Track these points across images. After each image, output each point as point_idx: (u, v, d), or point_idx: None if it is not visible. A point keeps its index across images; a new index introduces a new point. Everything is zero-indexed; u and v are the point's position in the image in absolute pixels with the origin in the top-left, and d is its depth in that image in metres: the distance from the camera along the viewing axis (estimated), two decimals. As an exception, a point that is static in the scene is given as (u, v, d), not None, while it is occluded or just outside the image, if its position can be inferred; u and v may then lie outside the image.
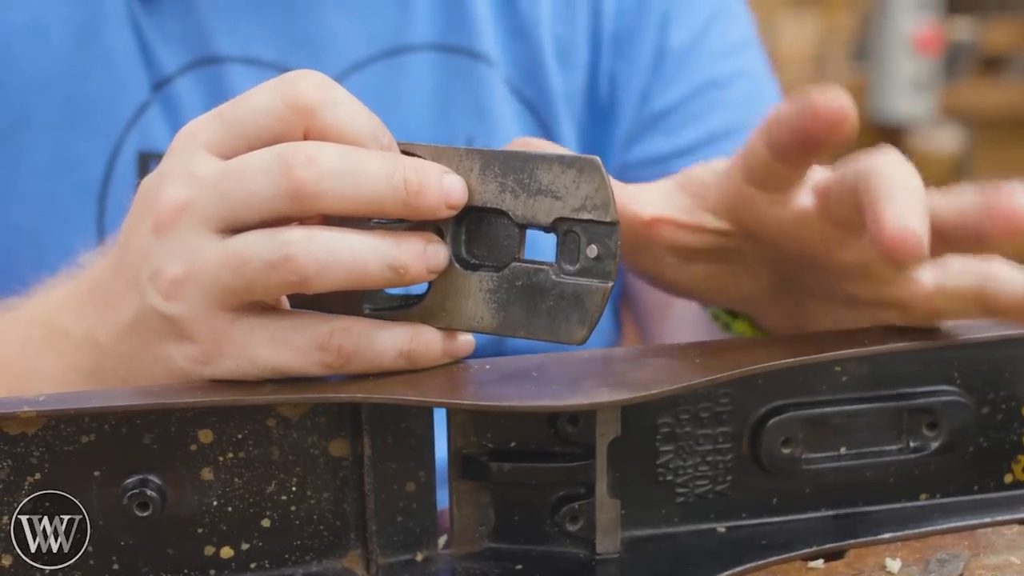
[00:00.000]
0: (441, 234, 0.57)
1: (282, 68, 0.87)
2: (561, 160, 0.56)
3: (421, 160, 0.56)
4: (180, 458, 0.56)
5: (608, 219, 0.56)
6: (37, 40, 0.84)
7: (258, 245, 0.54)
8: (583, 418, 0.58)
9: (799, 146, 0.57)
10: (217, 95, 0.85)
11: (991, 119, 3.47)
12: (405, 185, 0.54)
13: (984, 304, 0.58)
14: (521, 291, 0.57)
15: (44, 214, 0.85)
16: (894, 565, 0.59)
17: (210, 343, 0.56)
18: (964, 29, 3.47)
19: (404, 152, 0.57)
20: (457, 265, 0.57)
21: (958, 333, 0.62)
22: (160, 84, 0.85)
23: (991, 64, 3.55)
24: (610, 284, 0.56)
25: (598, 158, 0.56)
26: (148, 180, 0.57)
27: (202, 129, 0.56)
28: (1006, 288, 0.58)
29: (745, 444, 0.61)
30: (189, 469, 0.56)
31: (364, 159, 0.54)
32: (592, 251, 0.56)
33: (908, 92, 3.24)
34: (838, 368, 0.61)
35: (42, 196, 0.85)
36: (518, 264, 0.57)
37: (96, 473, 0.55)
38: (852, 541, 0.61)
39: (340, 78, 0.88)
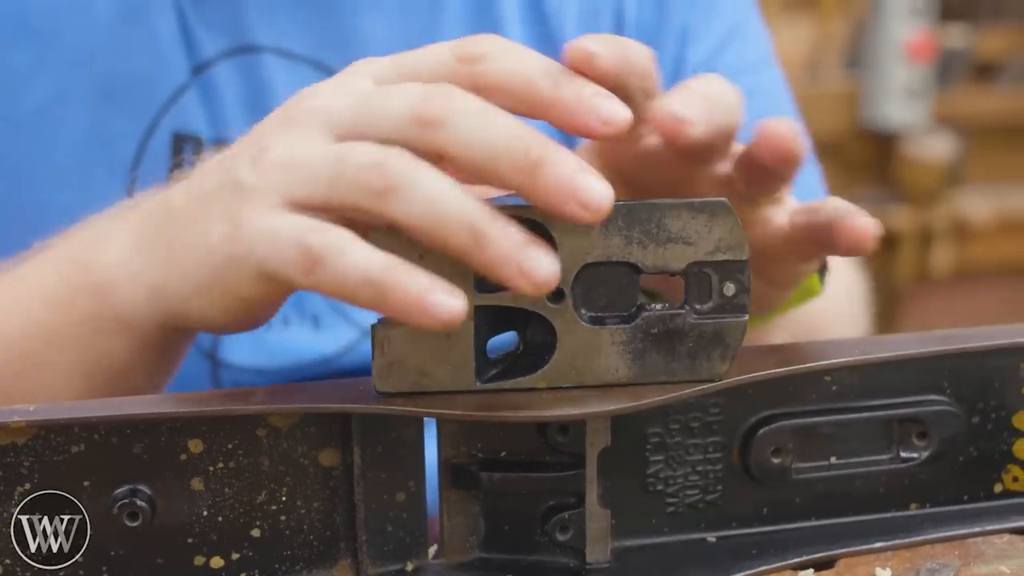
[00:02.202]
0: (562, 294, 0.56)
1: (314, 63, 0.88)
2: (690, 207, 0.56)
3: (562, 148, 0.53)
4: (170, 468, 0.56)
5: (742, 257, 0.56)
6: (83, 16, 0.84)
7: (363, 148, 0.53)
8: (573, 428, 0.58)
9: (759, 174, 0.62)
10: (253, 83, 0.87)
11: (984, 126, 3.47)
12: (527, 151, 0.52)
13: (826, 232, 0.61)
14: (658, 338, 0.57)
15: (75, 190, 0.85)
16: (884, 574, 0.59)
17: (246, 221, 0.55)
18: (957, 36, 3.47)
19: (504, 209, 0.54)
20: (584, 322, 0.56)
21: (948, 343, 0.62)
22: (199, 68, 0.86)
23: (984, 71, 3.55)
24: (747, 317, 0.57)
25: (727, 200, 0.56)
26: (303, 90, 0.58)
27: (376, 62, 0.57)
28: (839, 209, 0.61)
29: (735, 454, 0.61)
30: (179, 479, 0.56)
31: (499, 115, 0.53)
32: (729, 289, 0.56)
33: (901, 99, 3.24)
34: (828, 378, 0.61)
35: (75, 172, 0.85)
36: (650, 312, 0.57)
37: (86, 483, 0.55)
38: (842, 550, 0.61)
39: None
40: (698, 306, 0.57)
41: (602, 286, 0.56)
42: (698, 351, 0.57)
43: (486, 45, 0.55)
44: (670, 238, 0.56)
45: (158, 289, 0.60)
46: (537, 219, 0.55)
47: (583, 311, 0.56)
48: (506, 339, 0.58)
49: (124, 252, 0.62)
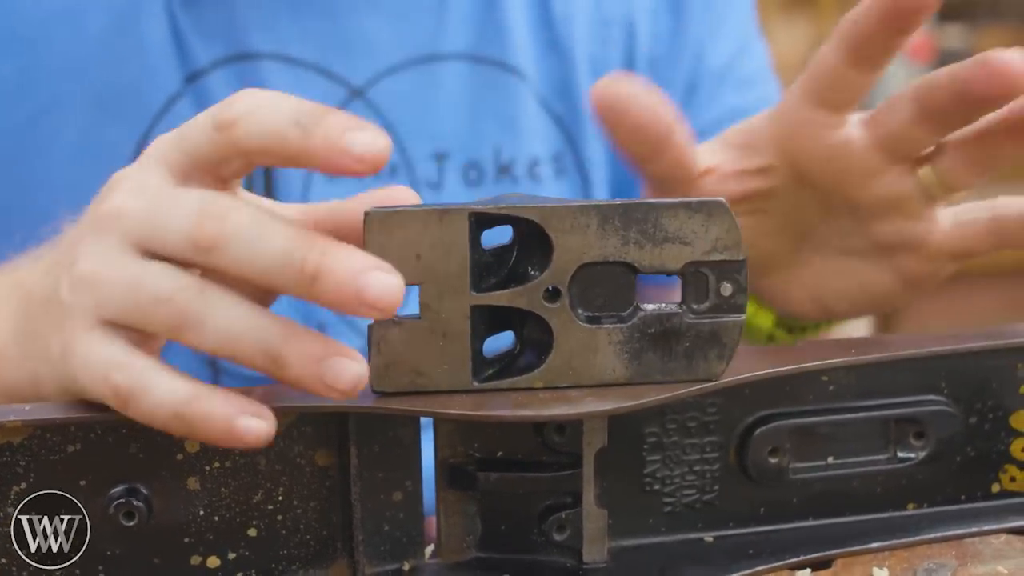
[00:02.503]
0: (558, 294, 0.56)
1: (316, 68, 0.88)
2: (687, 206, 0.56)
3: (347, 248, 0.51)
4: (167, 467, 0.56)
5: (739, 257, 0.56)
6: (73, 25, 0.84)
7: (154, 277, 0.53)
8: (570, 428, 0.58)
9: (957, 109, 0.62)
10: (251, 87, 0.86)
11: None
12: (302, 266, 0.50)
13: (997, 230, 0.66)
14: (654, 337, 0.57)
15: (69, 200, 0.85)
16: (881, 574, 0.59)
17: (68, 343, 0.55)
18: (955, 37, 3.47)
19: (500, 209, 0.55)
20: (580, 322, 0.56)
21: (945, 343, 0.62)
22: (192, 77, 0.86)
23: (982, 72, 3.55)
24: (744, 317, 0.57)
25: (724, 200, 0.56)
26: (119, 172, 0.58)
27: (161, 143, 0.56)
28: (1014, 210, 0.65)
29: (732, 454, 0.61)
30: (175, 478, 0.56)
31: (273, 230, 0.51)
32: (726, 289, 0.56)
33: (899, 99, 3.25)
34: (825, 377, 0.61)
35: (69, 181, 0.85)
36: (646, 312, 0.57)
37: (82, 482, 0.55)
38: (839, 550, 0.61)
39: (373, 82, 0.89)
40: (695, 306, 0.57)
41: (599, 286, 0.56)
42: (695, 351, 0.57)
43: (238, 107, 0.53)
44: (667, 238, 0.56)
45: (35, 380, 0.61)
46: (534, 219, 0.55)
47: (580, 311, 0.56)
48: (503, 339, 0.58)
49: (6, 336, 0.63)
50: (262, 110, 0.53)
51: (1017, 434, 0.64)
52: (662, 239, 0.56)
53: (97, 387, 0.53)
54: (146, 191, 0.55)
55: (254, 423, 0.52)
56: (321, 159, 0.51)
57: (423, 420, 0.58)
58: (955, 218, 0.68)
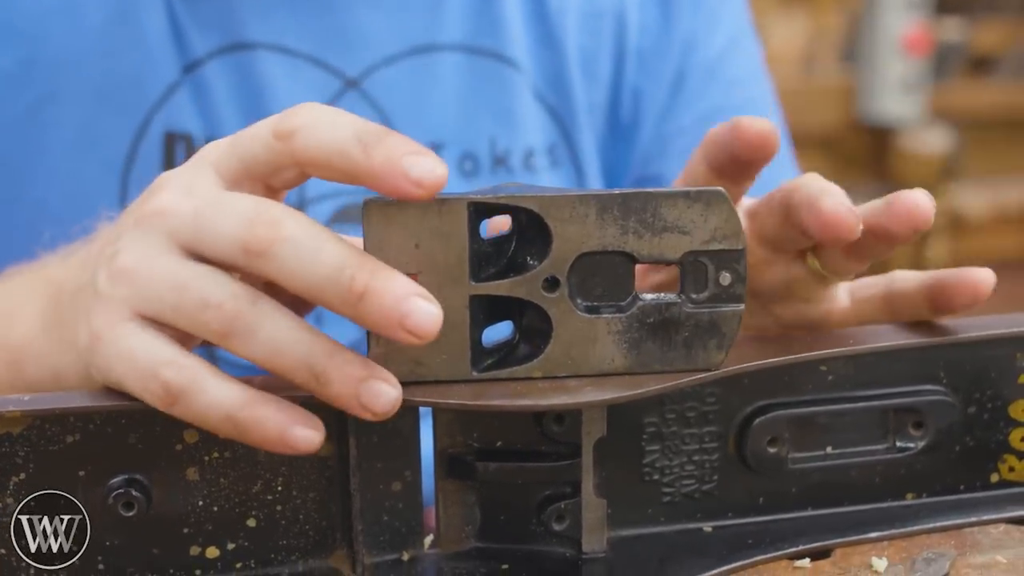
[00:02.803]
0: (557, 283, 0.56)
1: (312, 59, 0.88)
2: (686, 196, 0.56)
3: (395, 273, 0.52)
4: (166, 458, 0.56)
5: (739, 246, 0.56)
6: (71, 17, 0.84)
7: (203, 281, 0.53)
8: (569, 417, 0.58)
9: (732, 165, 0.62)
10: (246, 81, 0.87)
11: (980, 120, 3.47)
12: (351, 283, 0.51)
13: (891, 302, 0.67)
14: (653, 327, 0.57)
15: (68, 190, 0.85)
16: (880, 564, 0.59)
17: (101, 331, 0.55)
18: (953, 29, 3.47)
19: (499, 198, 0.55)
20: (579, 312, 0.56)
21: (944, 332, 0.62)
22: (190, 67, 0.86)
23: (980, 65, 3.55)
24: (743, 306, 0.57)
25: (723, 189, 0.56)
26: (164, 174, 0.57)
27: (214, 149, 0.56)
28: (908, 282, 0.66)
29: (731, 443, 0.61)
30: (175, 469, 0.56)
31: (325, 242, 0.52)
32: (725, 278, 0.56)
33: (897, 93, 3.24)
34: (824, 367, 0.61)
35: (67, 172, 0.85)
36: (645, 301, 0.57)
37: (81, 473, 0.55)
38: (838, 540, 0.61)
39: (367, 73, 0.89)
40: (694, 295, 0.57)
41: (598, 275, 0.56)
42: (694, 340, 0.57)
43: (299, 118, 0.54)
44: (666, 227, 0.56)
45: (58, 373, 0.61)
46: (533, 209, 0.55)
47: (579, 300, 0.56)
48: (501, 329, 0.58)
49: (31, 331, 0.64)
50: (323, 124, 0.53)
51: (1016, 424, 0.64)
52: (661, 228, 0.56)
53: (143, 381, 0.53)
54: (195, 193, 0.55)
55: (308, 433, 0.53)
56: (379, 179, 0.52)
57: (422, 410, 0.58)
58: (852, 295, 0.68)
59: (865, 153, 3.35)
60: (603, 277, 0.56)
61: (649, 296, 0.57)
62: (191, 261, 0.54)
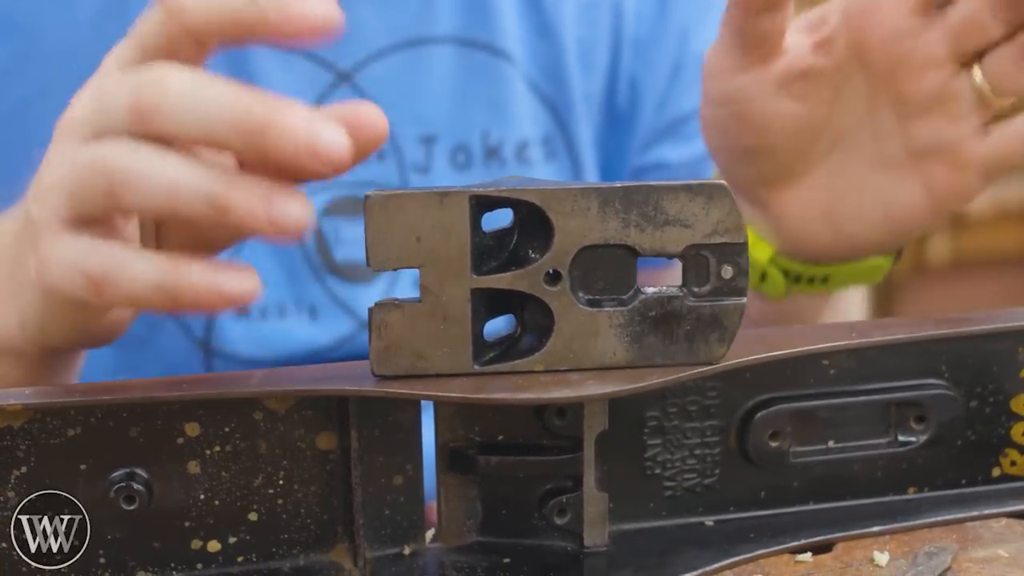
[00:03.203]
0: (559, 277, 0.55)
1: (307, 54, 0.88)
2: (688, 189, 0.55)
3: (288, 103, 0.49)
4: (167, 451, 0.56)
5: (740, 240, 0.56)
6: (65, 11, 0.84)
7: (87, 150, 0.52)
8: (571, 411, 0.58)
9: None
10: (240, 74, 0.86)
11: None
12: (247, 115, 0.49)
13: None
14: (656, 320, 0.57)
15: None
16: (882, 558, 0.59)
17: (40, 255, 0.54)
18: None
19: (501, 191, 0.55)
20: (581, 305, 0.56)
21: (947, 326, 0.62)
22: None
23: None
24: (745, 300, 0.57)
25: (725, 183, 0.56)
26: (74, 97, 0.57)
27: (119, 47, 0.56)
28: None
29: (733, 437, 0.61)
30: (176, 462, 0.56)
31: (213, 85, 0.50)
32: (727, 272, 0.56)
33: (898, 89, 3.25)
34: (826, 361, 0.61)
35: None
36: (647, 295, 0.57)
37: (83, 466, 0.55)
38: (840, 534, 0.61)
39: (360, 66, 0.89)
40: (696, 289, 0.56)
41: (599, 269, 0.56)
42: (696, 334, 0.57)
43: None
44: (667, 220, 0.56)
45: (22, 322, 0.61)
46: (535, 202, 0.55)
47: (580, 294, 0.56)
48: (503, 323, 0.58)
49: None
50: None
51: (1018, 418, 0.64)
52: (663, 222, 0.56)
53: (69, 280, 0.53)
54: (95, 92, 0.54)
55: (237, 282, 0.50)
56: (273, 27, 0.50)
57: (423, 404, 0.58)
58: (995, 130, 0.70)
59: (866, 149, 3.34)
60: (605, 271, 0.56)
61: (651, 290, 0.57)
62: (87, 141, 0.53)
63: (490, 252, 0.56)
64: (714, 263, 0.56)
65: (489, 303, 0.56)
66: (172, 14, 0.53)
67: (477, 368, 0.56)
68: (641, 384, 0.56)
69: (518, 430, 0.59)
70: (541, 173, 0.94)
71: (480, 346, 0.56)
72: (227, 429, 0.56)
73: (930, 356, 0.62)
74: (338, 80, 0.89)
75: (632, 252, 0.56)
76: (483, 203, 0.55)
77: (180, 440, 0.56)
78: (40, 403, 0.54)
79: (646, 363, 0.57)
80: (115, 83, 0.53)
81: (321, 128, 0.48)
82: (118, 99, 0.52)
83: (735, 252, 0.56)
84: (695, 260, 0.56)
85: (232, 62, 0.86)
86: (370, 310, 0.55)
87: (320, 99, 0.88)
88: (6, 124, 0.85)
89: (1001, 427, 0.64)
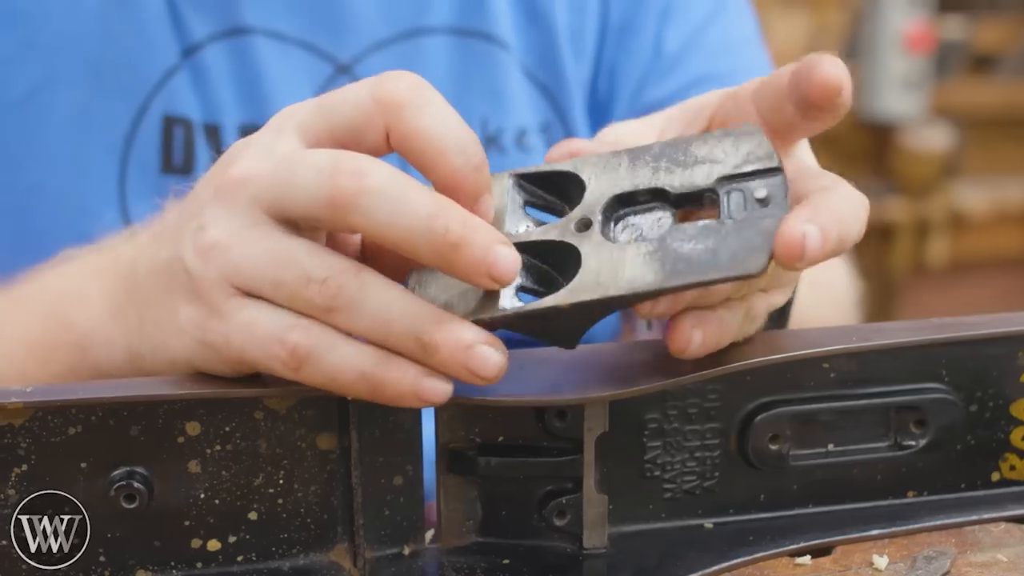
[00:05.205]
0: (589, 224, 0.55)
1: (304, 44, 0.88)
2: (718, 133, 0.56)
3: (480, 221, 0.52)
4: (167, 450, 0.56)
5: (774, 164, 0.54)
6: (69, 0, 0.84)
7: (303, 255, 0.53)
8: (571, 413, 0.58)
9: (796, 110, 0.58)
10: (243, 65, 0.87)
11: (981, 118, 3.47)
12: (445, 233, 0.51)
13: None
14: (687, 242, 0.53)
15: (67, 173, 0.85)
16: (881, 562, 0.59)
17: (210, 313, 0.55)
18: (955, 28, 3.47)
19: (542, 168, 0.56)
20: (609, 241, 0.54)
21: (947, 331, 0.62)
22: (189, 51, 0.86)
23: (982, 63, 3.55)
24: (784, 211, 0.53)
25: (752, 124, 0.56)
26: (242, 141, 0.57)
27: (299, 110, 0.56)
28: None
29: (733, 440, 0.61)
30: (176, 461, 0.56)
31: (412, 191, 0.52)
32: (761, 191, 0.54)
33: (899, 90, 3.24)
34: (826, 365, 0.61)
35: (66, 155, 0.85)
36: (679, 225, 0.54)
37: (83, 465, 0.55)
38: (839, 537, 0.61)
39: (359, 58, 0.89)
40: (732, 216, 0.54)
41: (630, 214, 0.56)
42: (732, 248, 0.52)
43: (407, 91, 0.54)
44: (697, 160, 0.55)
45: (134, 354, 0.61)
46: (568, 169, 0.56)
47: (611, 235, 0.55)
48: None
49: (100, 315, 0.63)
50: (434, 111, 0.54)
51: (1017, 423, 0.64)
52: (692, 163, 0.55)
53: (266, 348, 0.53)
54: (274, 154, 0.54)
55: (439, 384, 0.53)
56: (460, 197, 0.53)
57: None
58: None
59: (866, 150, 3.35)
60: (636, 215, 0.56)
61: (686, 224, 0.54)
62: (283, 232, 0.54)
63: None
64: (750, 190, 0.54)
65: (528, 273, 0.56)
66: (385, 108, 0.54)
67: (507, 310, 0.54)
68: (642, 386, 0.56)
69: (518, 431, 0.59)
70: (541, 160, 0.94)
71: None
72: (228, 428, 0.56)
73: (930, 360, 0.62)
74: (337, 72, 0.90)
75: (663, 194, 0.55)
76: (522, 180, 0.57)
77: (181, 439, 0.56)
78: (41, 401, 0.54)
79: (678, 282, 0.52)
80: (304, 160, 0.53)
81: (499, 254, 0.52)
82: (312, 183, 0.52)
83: (770, 175, 0.54)
84: (732, 193, 0.54)
85: (238, 51, 0.86)
86: (412, 270, 0.56)
87: (320, 91, 0.88)
88: (12, 113, 0.85)
89: (1001, 431, 0.64)
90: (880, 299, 3.22)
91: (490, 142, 0.93)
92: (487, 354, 0.52)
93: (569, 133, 0.96)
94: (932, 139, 3.31)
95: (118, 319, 0.62)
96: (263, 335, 0.53)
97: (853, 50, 3.38)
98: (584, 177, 0.56)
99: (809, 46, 3.37)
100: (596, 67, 0.97)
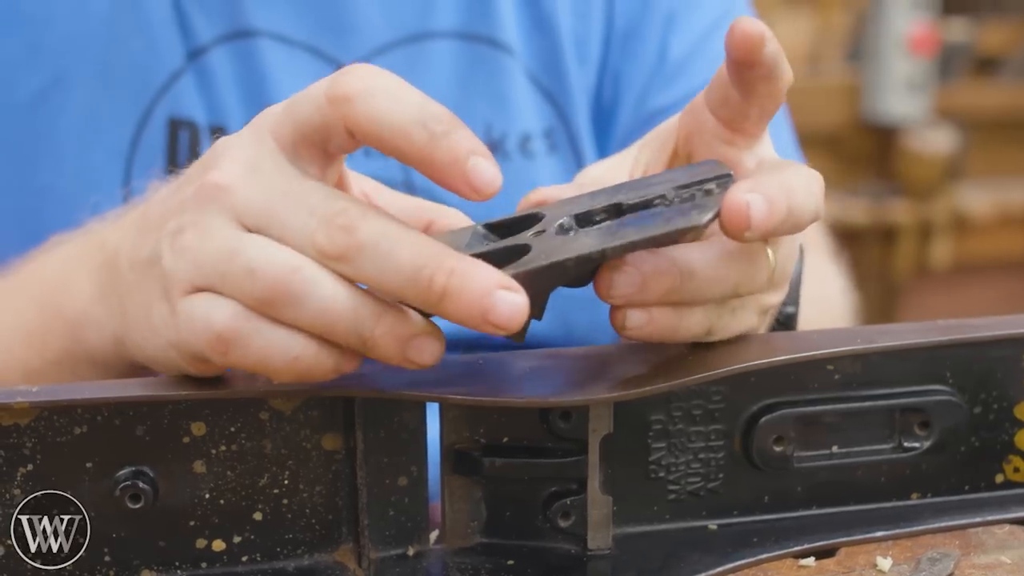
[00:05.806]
0: (543, 231, 0.56)
1: (309, 48, 0.88)
2: (680, 166, 0.57)
3: (474, 265, 0.51)
4: (173, 450, 0.56)
5: (726, 171, 0.56)
6: (77, 2, 0.85)
7: (252, 248, 0.53)
8: (576, 414, 0.58)
9: (737, 88, 0.59)
10: (249, 68, 0.87)
11: (985, 120, 3.47)
12: (429, 285, 0.51)
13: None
14: (636, 220, 0.55)
15: (73, 175, 0.86)
16: (885, 563, 0.59)
17: (172, 306, 0.55)
18: (959, 30, 3.47)
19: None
20: (559, 235, 0.55)
21: (951, 332, 0.62)
22: (194, 53, 0.86)
23: (985, 65, 3.55)
24: (733, 175, 0.56)
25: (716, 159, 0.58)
26: (222, 141, 0.57)
27: (271, 113, 0.56)
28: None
29: (737, 442, 0.61)
30: (182, 461, 0.56)
31: (400, 244, 0.52)
32: (710, 186, 0.56)
33: (902, 92, 3.24)
34: (831, 366, 0.61)
35: (72, 157, 0.86)
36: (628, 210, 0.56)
37: (88, 464, 0.55)
38: (843, 539, 0.61)
39: (364, 61, 0.89)
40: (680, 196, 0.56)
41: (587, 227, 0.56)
42: (678, 211, 0.55)
43: (355, 83, 0.53)
44: (655, 183, 0.57)
45: (120, 341, 0.62)
46: (532, 212, 0.58)
47: (566, 226, 0.56)
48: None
49: (88, 300, 0.64)
50: (383, 94, 0.53)
51: (1021, 424, 0.64)
52: (650, 184, 0.57)
53: (196, 336, 0.54)
54: (260, 171, 0.54)
55: (430, 343, 0.53)
56: (437, 171, 0.52)
57: (429, 405, 0.58)
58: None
59: (870, 152, 3.35)
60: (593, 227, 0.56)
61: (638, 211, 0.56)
62: (247, 233, 0.54)
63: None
64: (700, 189, 0.56)
65: None
66: (335, 104, 0.53)
67: (464, 250, 0.55)
68: (646, 387, 0.56)
69: (523, 432, 0.59)
70: (543, 166, 0.94)
71: (478, 238, 0.58)
72: (233, 428, 0.56)
73: (935, 362, 0.62)
74: None
75: (619, 208, 0.56)
76: (489, 231, 0.59)
77: (186, 439, 0.56)
78: (47, 401, 0.54)
79: (622, 242, 0.53)
80: (298, 201, 0.53)
81: (497, 300, 0.51)
82: (301, 226, 0.53)
83: (721, 179, 0.56)
84: (684, 195, 0.56)
85: (243, 55, 0.86)
86: None
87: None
88: (19, 115, 0.85)
89: (1005, 434, 0.64)
90: (883, 301, 3.22)
91: (494, 148, 0.93)
92: (423, 348, 0.53)
93: (572, 140, 0.96)
94: (936, 141, 3.31)
95: (103, 304, 0.63)
96: (194, 324, 0.54)
97: (857, 52, 3.38)
98: (546, 213, 0.57)
99: (813, 49, 3.37)
100: (601, 73, 0.97)
